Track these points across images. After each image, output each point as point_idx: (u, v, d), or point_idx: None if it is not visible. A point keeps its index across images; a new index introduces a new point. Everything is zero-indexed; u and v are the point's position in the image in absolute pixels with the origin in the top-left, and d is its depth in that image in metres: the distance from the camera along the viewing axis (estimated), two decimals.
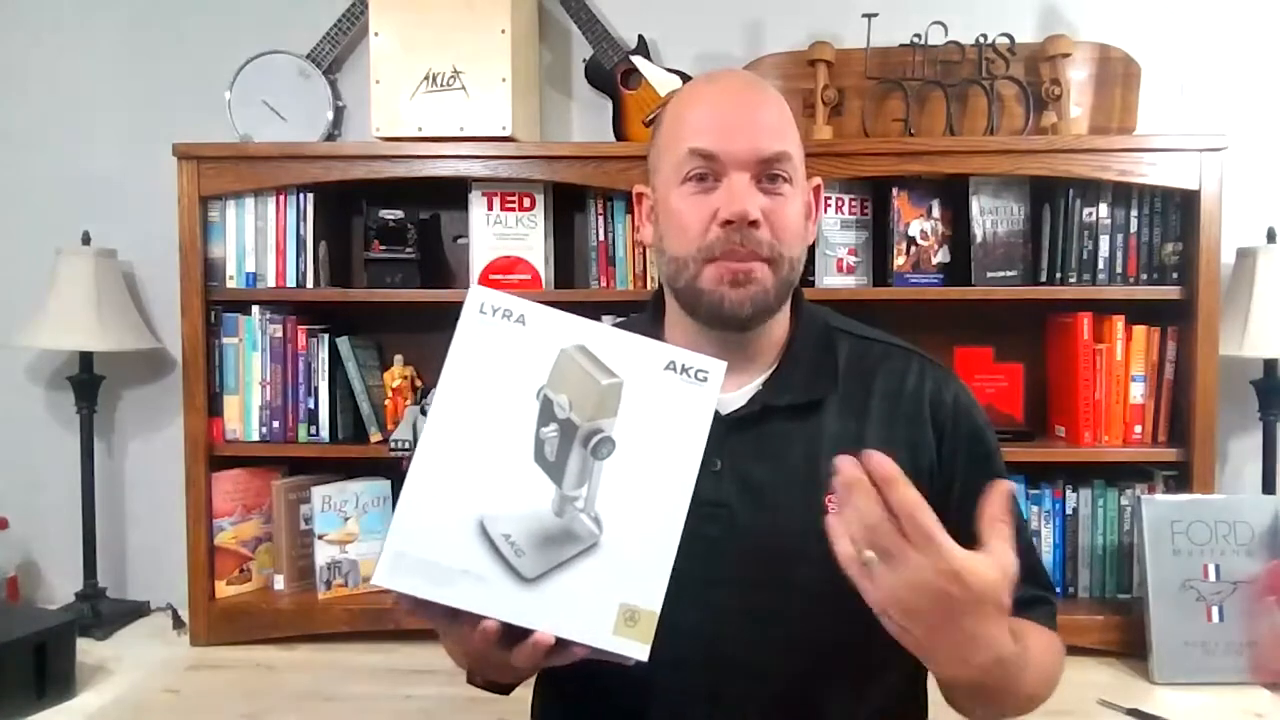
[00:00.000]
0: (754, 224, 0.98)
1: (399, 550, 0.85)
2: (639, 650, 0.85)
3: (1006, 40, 1.96)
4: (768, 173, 1.00)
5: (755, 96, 1.04)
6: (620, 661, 0.85)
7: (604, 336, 0.90)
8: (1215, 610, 1.76)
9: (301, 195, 1.98)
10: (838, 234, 1.94)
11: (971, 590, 0.76)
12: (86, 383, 2.06)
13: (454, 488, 0.87)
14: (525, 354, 0.89)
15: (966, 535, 1.03)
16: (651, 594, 0.86)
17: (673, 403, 0.89)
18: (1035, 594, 1.06)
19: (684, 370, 0.90)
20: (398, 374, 2.02)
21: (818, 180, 1.10)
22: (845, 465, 0.77)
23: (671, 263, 1.03)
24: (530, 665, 0.89)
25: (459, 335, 0.89)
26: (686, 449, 0.88)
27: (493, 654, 0.88)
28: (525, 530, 0.86)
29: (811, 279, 1.93)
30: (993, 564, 0.78)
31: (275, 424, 1.99)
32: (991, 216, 1.93)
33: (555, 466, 0.88)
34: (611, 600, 0.86)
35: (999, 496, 0.81)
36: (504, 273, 1.97)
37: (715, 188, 1.00)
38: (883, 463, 0.76)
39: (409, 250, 1.98)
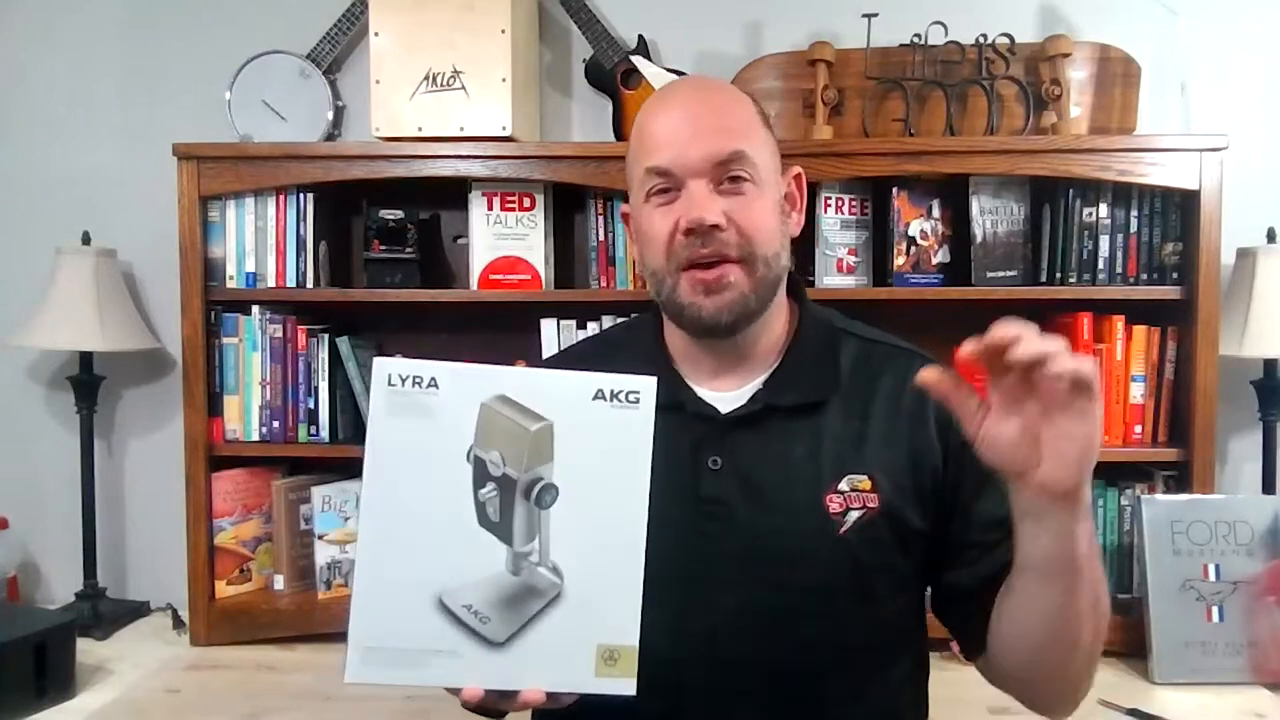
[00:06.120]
0: (715, 227, 0.98)
1: (365, 645, 0.85)
2: (625, 686, 0.85)
3: (1006, 40, 1.96)
4: (727, 175, 1.00)
5: (707, 102, 1.04)
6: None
7: (523, 380, 0.87)
8: (1215, 610, 1.76)
9: (301, 195, 1.98)
10: (838, 234, 1.94)
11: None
12: (86, 383, 2.06)
13: (405, 570, 0.85)
14: (446, 418, 0.85)
15: (971, 536, 1.04)
16: (626, 630, 0.85)
17: (609, 432, 0.86)
18: None
19: (614, 396, 0.87)
20: None
21: (797, 169, 1.10)
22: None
23: (652, 277, 1.05)
24: (524, 710, 0.90)
25: (373, 413, 0.86)
26: (632, 477, 0.86)
27: (485, 707, 0.89)
28: (486, 596, 0.85)
29: (811, 279, 1.93)
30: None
31: (275, 424, 1.99)
32: (991, 216, 1.93)
33: (501, 526, 0.86)
34: (587, 644, 0.85)
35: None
36: (504, 273, 1.97)
37: (677, 198, 1.01)
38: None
39: (409, 250, 1.98)
